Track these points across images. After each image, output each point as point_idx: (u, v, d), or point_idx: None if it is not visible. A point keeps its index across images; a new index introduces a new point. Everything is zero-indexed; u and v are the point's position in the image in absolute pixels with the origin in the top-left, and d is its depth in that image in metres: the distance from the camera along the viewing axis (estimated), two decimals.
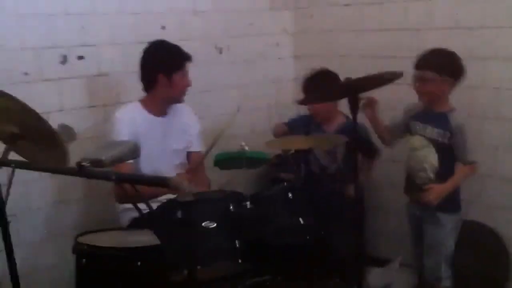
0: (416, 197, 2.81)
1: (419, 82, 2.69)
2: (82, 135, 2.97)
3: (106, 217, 2.94)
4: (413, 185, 2.82)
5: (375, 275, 3.44)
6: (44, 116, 1.99)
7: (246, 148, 2.20)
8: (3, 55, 2.77)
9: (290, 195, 2.26)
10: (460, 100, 3.06)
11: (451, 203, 2.76)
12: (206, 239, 2.04)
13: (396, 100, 3.09)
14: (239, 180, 3.22)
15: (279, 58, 3.97)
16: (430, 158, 2.72)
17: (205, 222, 2.05)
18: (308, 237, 2.24)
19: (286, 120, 3.39)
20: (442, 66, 2.67)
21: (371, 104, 2.83)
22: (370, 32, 3.58)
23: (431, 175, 2.73)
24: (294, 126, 3.26)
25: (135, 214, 2.08)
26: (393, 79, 2.44)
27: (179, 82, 2.81)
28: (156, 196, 2.42)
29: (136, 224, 2.62)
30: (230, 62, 3.69)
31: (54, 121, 2.82)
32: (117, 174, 1.88)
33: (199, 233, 2.04)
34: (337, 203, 3.00)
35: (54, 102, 2.95)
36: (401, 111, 2.95)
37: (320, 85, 3.05)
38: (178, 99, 2.89)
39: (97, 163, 1.96)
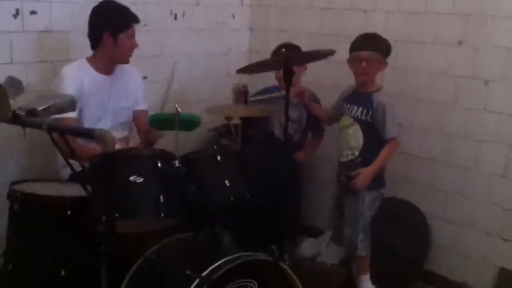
0: (341, 176, 2.98)
1: (367, 63, 2.83)
2: (30, 89, 3.07)
3: (50, 170, 3.02)
4: (339, 164, 3.01)
5: (307, 245, 3.62)
6: None
7: (179, 110, 2.30)
8: None
9: (219, 158, 2.38)
10: (395, 81, 3.24)
11: (371, 180, 2.91)
12: (131, 193, 2.16)
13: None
14: (188, 145, 3.35)
15: (234, 30, 4.07)
16: (355, 136, 2.89)
17: (132, 177, 2.16)
18: (232, 198, 2.36)
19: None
20: (385, 48, 2.86)
21: (300, 95, 3.09)
22: (320, 10, 3.70)
23: (356, 153, 2.89)
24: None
25: (76, 169, 2.17)
26: (325, 56, 2.57)
27: (124, 43, 2.85)
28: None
29: (74, 179, 2.71)
30: (184, 29, 3.76)
31: (3, 73, 2.92)
32: (49, 124, 1.97)
33: (126, 186, 2.15)
34: (284, 172, 3.16)
35: (4, 54, 2.99)
36: None
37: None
38: (124, 60, 2.93)
39: (31, 112, 2.07)
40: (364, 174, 2.85)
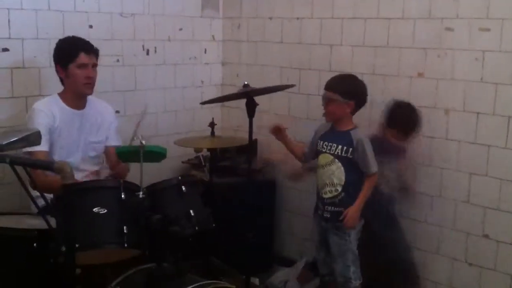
0: (324, 213, 3.01)
1: (325, 102, 2.94)
2: (2, 125, 3.13)
3: (22, 203, 3.04)
4: (320, 201, 3.04)
5: (280, 274, 3.65)
6: None
7: (143, 142, 2.35)
8: None
9: (184, 188, 2.43)
10: (362, 113, 3.32)
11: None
12: (94, 223, 2.20)
13: None
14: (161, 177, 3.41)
15: (206, 64, 4.17)
16: (337, 173, 2.94)
17: (96, 208, 2.20)
18: (196, 228, 2.40)
19: None
20: (345, 91, 2.92)
21: (278, 131, 3.11)
22: (289, 44, 3.81)
23: (339, 189, 2.94)
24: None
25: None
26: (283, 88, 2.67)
27: (75, 73, 2.88)
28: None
29: (44, 211, 2.74)
30: (156, 64, 3.86)
31: None
32: (12, 157, 2.03)
33: (89, 217, 2.19)
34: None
35: None
36: None
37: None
38: (82, 90, 2.95)
39: None
40: (351, 213, 2.90)
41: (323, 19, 3.60)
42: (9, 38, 3.16)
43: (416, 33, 3.18)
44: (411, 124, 3.10)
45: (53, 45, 3.07)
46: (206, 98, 3.95)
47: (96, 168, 3.11)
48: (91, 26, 3.46)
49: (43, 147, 2.67)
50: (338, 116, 2.96)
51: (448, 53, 3.07)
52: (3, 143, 2.12)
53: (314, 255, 3.26)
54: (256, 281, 3.52)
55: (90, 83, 2.94)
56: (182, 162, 3.93)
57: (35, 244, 2.32)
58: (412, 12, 3.19)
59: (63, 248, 2.06)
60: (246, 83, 2.74)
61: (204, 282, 2.23)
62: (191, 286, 2.19)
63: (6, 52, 3.15)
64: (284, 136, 3.13)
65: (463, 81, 3.03)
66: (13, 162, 2.00)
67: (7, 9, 3.13)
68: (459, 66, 3.04)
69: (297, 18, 3.74)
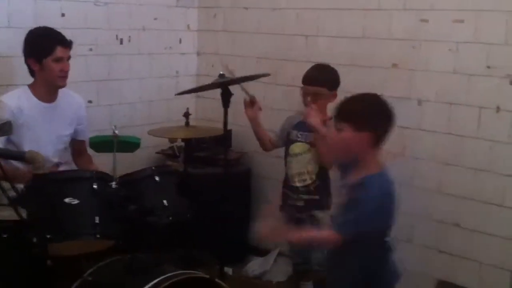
0: (296, 201, 3.00)
1: (312, 97, 2.90)
2: None
3: None
4: (292, 190, 3.02)
5: (254, 264, 3.67)
6: None
7: (116, 132, 2.34)
8: None
9: (157, 178, 2.42)
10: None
11: (326, 201, 2.97)
12: (66, 215, 2.18)
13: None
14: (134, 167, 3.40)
15: (181, 54, 4.14)
16: (313, 161, 2.94)
17: (68, 199, 2.18)
18: (170, 218, 2.39)
19: None
20: (330, 82, 2.93)
21: (252, 103, 3.03)
22: (265, 35, 3.81)
23: (313, 177, 2.95)
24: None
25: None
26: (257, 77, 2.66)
27: (51, 67, 2.82)
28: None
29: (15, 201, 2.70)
30: (131, 53, 3.82)
31: None
32: None
33: (60, 208, 2.17)
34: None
35: None
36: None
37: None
38: (56, 84, 2.91)
39: None
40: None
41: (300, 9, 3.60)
42: None
43: (392, 24, 3.20)
44: None
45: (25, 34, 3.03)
46: (181, 88, 3.92)
47: (68, 159, 3.07)
48: (63, 15, 3.40)
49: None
50: (323, 107, 2.94)
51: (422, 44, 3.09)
52: None
53: (289, 245, 3.26)
54: (229, 271, 3.52)
55: (64, 76, 2.90)
56: (156, 152, 3.90)
57: (5, 235, 2.29)
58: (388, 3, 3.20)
59: (35, 240, 2.03)
60: (221, 72, 2.72)
61: (178, 272, 2.22)
62: (165, 275, 2.19)
63: None
64: (255, 112, 3.05)
65: (437, 72, 3.05)
66: None
67: None
68: (433, 58, 3.06)
69: (273, 9, 3.73)
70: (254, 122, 3.09)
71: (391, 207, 2.14)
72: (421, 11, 3.08)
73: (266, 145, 3.17)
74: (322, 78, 2.93)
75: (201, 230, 3.10)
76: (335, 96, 2.95)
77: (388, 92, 3.16)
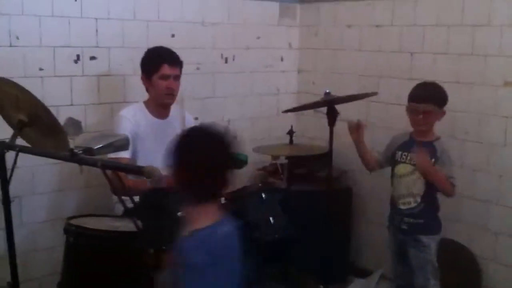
0: (402, 224, 2.93)
1: (423, 115, 2.84)
2: (88, 129, 3.25)
3: (103, 207, 3.14)
4: (397, 212, 2.97)
5: (356, 285, 3.60)
6: (54, 110, 2.23)
7: None
8: (21, 51, 3.02)
9: (263, 195, 2.45)
10: (444, 122, 3.24)
11: (432, 225, 2.91)
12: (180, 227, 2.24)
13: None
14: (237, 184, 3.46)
15: (282, 71, 4.19)
16: (417, 183, 2.87)
17: (181, 212, 2.24)
18: (276, 236, 2.41)
19: None
20: (440, 100, 2.87)
21: (358, 128, 3.03)
22: (367, 52, 3.77)
23: (418, 199, 2.87)
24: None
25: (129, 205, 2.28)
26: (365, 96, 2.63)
27: (158, 84, 2.97)
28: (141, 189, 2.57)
29: (126, 214, 2.82)
30: (235, 72, 3.91)
31: (64, 115, 3.14)
32: (102, 161, 2.10)
33: (176, 221, 2.24)
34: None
35: (65, 97, 3.19)
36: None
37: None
38: (163, 101, 3.04)
39: (88, 151, 2.20)
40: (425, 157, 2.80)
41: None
42: (97, 46, 3.28)
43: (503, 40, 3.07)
44: None
45: (138, 54, 3.16)
46: (282, 106, 3.99)
47: None
48: (173, 35, 3.55)
49: (127, 153, 2.75)
50: (431, 126, 2.90)
51: None
52: (95, 147, 2.20)
53: (392, 266, 3.19)
54: None
55: (171, 94, 3.02)
56: (258, 169, 3.95)
57: (120, 245, 2.40)
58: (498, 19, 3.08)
59: (151, 250, 2.11)
60: (327, 91, 2.72)
61: None
62: None
63: (94, 60, 3.28)
64: (360, 136, 3.05)
65: None
66: (104, 166, 2.07)
67: (95, 19, 3.25)
68: None
69: (377, 26, 3.70)
70: (360, 145, 3.08)
71: None
72: None
73: (370, 165, 3.13)
74: (431, 95, 2.86)
75: (301, 248, 3.11)
76: (443, 113, 2.88)
77: (501, 111, 3.06)
